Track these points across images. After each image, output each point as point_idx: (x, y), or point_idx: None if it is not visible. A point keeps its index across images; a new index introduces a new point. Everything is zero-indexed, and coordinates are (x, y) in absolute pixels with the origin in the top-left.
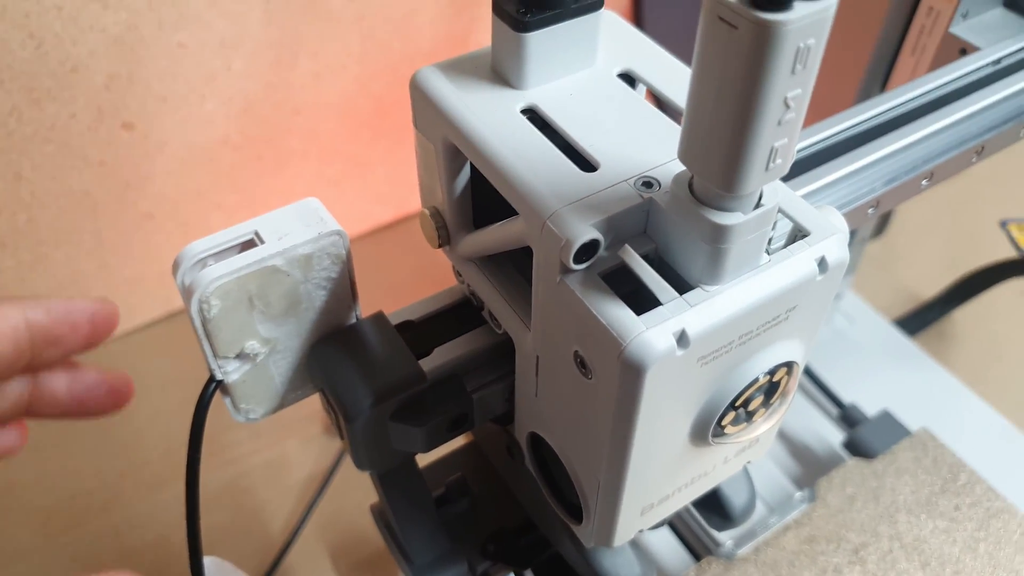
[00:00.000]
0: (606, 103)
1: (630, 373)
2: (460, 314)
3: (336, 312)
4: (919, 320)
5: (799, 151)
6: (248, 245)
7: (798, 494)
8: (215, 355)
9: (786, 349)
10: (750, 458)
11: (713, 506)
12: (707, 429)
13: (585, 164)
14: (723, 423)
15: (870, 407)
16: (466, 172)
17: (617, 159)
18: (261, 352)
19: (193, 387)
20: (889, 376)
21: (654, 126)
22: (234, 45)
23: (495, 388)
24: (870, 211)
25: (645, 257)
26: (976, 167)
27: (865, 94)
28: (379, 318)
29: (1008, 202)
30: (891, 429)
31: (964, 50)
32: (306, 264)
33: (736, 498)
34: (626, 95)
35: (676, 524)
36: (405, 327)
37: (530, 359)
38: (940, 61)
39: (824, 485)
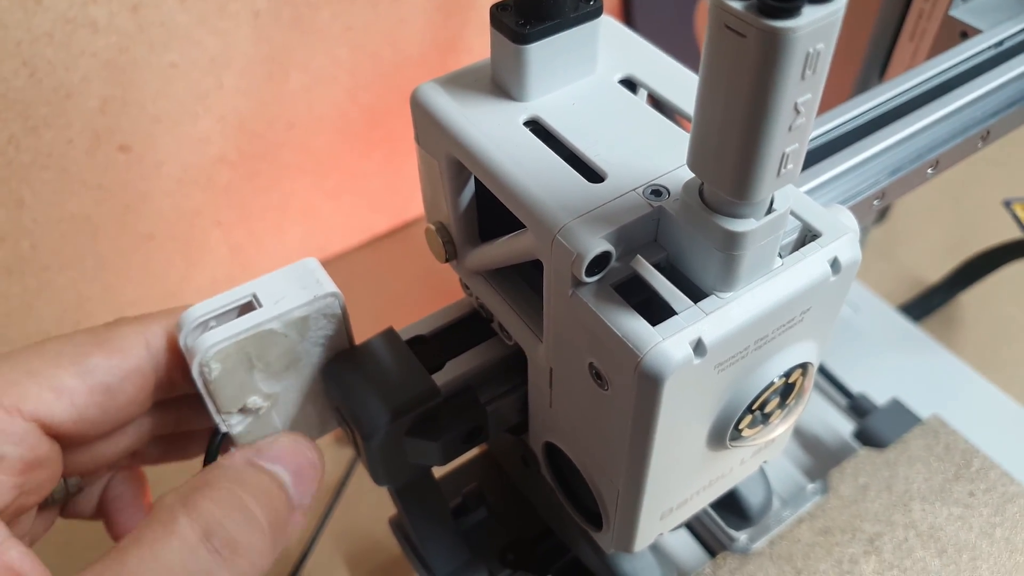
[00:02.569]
0: (609, 111)
1: (648, 384)
2: (470, 327)
3: None
4: (924, 305)
5: None
6: (247, 308)
7: (810, 486)
8: (219, 411)
9: (801, 350)
10: (766, 458)
11: (730, 506)
12: (725, 433)
13: (592, 175)
14: (740, 427)
15: (879, 396)
16: (471, 187)
17: (624, 168)
18: (263, 406)
19: None
20: (897, 364)
21: (659, 132)
22: (225, 63)
23: (508, 399)
24: (875, 203)
25: (656, 266)
26: None
27: (864, 81)
28: (390, 334)
29: (1011, 181)
30: (901, 417)
31: (965, 33)
32: (303, 326)
33: (753, 498)
34: (629, 101)
35: (690, 520)
36: (416, 341)
37: (543, 371)
38: (940, 45)
39: (836, 476)
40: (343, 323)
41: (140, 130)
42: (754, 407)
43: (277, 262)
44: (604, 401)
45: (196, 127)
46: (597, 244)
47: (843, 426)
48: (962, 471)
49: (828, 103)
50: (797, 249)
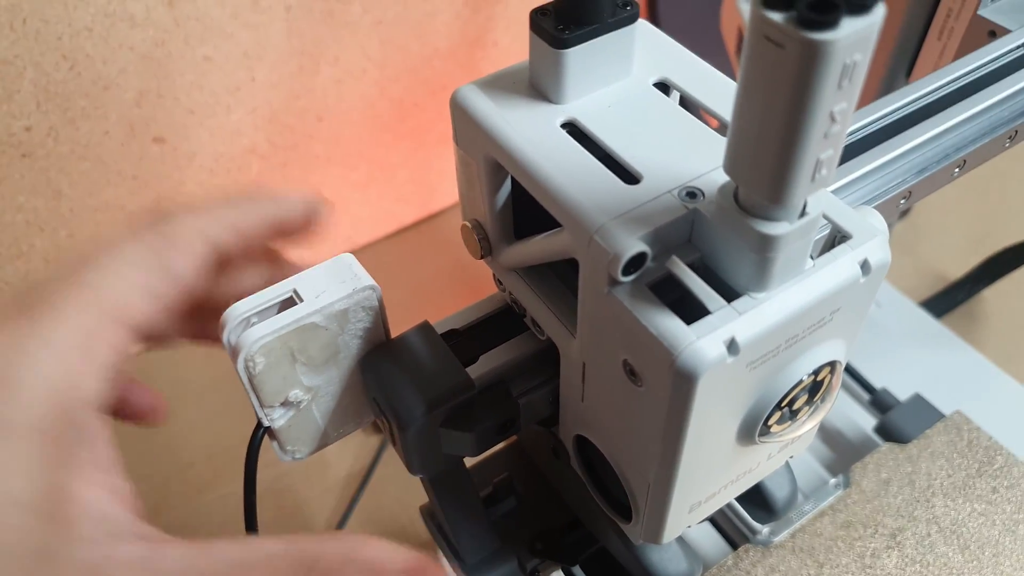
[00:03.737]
0: (645, 113)
1: (682, 382)
2: (502, 321)
3: None
4: (947, 301)
5: None
6: (287, 303)
7: (832, 480)
8: (262, 405)
9: (830, 349)
10: (792, 453)
11: (757, 500)
12: (754, 429)
13: (628, 176)
14: (769, 423)
15: (901, 391)
16: (507, 186)
17: (660, 170)
18: (304, 399)
19: (231, 391)
20: (919, 359)
21: (694, 135)
22: (257, 56)
23: (540, 392)
24: (902, 202)
25: (691, 266)
26: None
27: (890, 81)
28: (425, 327)
29: None
30: (924, 413)
31: (994, 32)
32: (342, 318)
33: (779, 492)
34: (664, 104)
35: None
36: (450, 335)
37: (576, 366)
38: (968, 45)
39: (858, 471)
40: (380, 315)
41: (174, 122)
42: (783, 404)
43: (305, 253)
44: (637, 397)
45: (228, 119)
46: (634, 245)
47: (865, 421)
48: (985, 467)
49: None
50: (827, 250)
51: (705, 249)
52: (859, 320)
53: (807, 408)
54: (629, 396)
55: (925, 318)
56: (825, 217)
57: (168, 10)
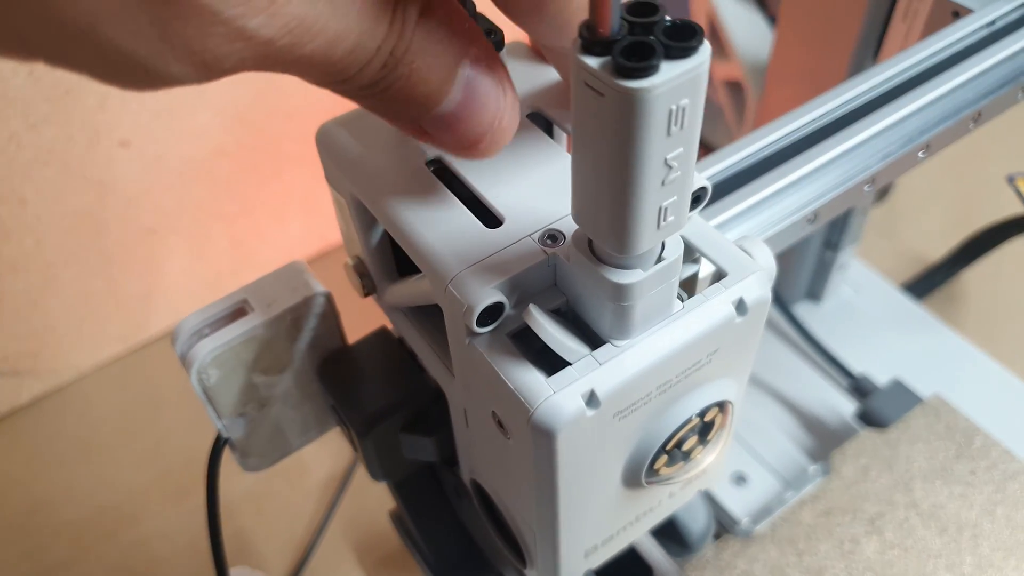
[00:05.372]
0: (515, 149)
1: (541, 436)
2: None
3: None
4: (927, 283)
5: (793, 131)
6: (239, 313)
7: (812, 467)
8: (219, 416)
9: (715, 390)
10: (701, 487)
11: (670, 534)
12: (639, 474)
13: (491, 219)
14: (656, 466)
15: (881, 376)
16: (381, 225)
17: (522, 212)
18: (262, 409)
19: None
20: (899, 343)
21: (564, 172)
22: None
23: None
24: (866, 188)
25: (556, 311)
26: None
27: (858, 62)
28: (383, 333)
29: (1013, 157)
30: (903, 397)
31: (957, 13)
32: (294, 327)
33: (693, 524)
34: (535, 139)
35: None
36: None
37: (459, 410)
38: (933, 25)
39: (838, 457)
40: (333, 322)
41: (139, 124)
42: (668, 447)
43: (279, 254)
44: (508, 448)
45: (195, 120)
46: (487, 295)
47: (845, 407)
48: (963, 450)
49: (826, 83)
50: (716, 281)
51: (570, 293)
52: (746, 359)
53: (700, 447)
54: (503, 446)
55: (904, 301)
56: (700, 253)
57: None
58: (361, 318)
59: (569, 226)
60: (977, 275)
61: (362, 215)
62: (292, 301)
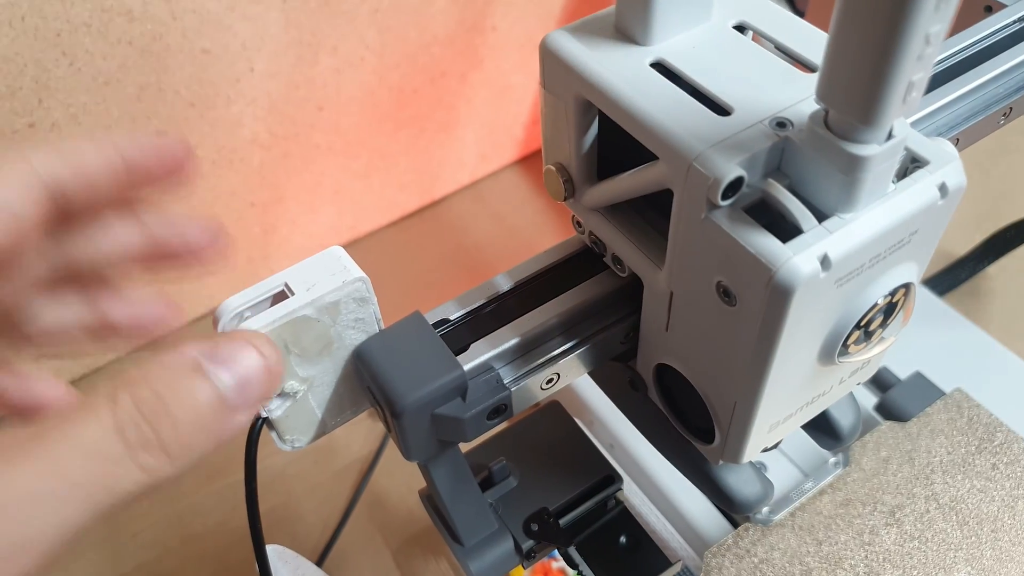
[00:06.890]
0: (728, 52)
1: (779, 296)
2: (495, 311)
3: None
4: (950, 279)
5: None
6: (279, 297)
7: (832, 459)
8: None
9: (905, 271)
10: (860, 380)
11: (824, 427)
12: (835, 349)
13: (719, 109)
14: (848, 342)
15: (902, 370)
16: (594, 128)
17: (748, 103)
18: (300, 389)
19: None
20: (922, 337)
21: (776, 70)
22: (256, 47)
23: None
24: None
25: None
26: None
27: None
28: (416, 317)
29: None
30: (924, 391)
31: (990, 8)
32: (334, 310)
33: (844, 420)
34: (744, 44)
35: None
36: (441, 324)
37: (661, 296)
38: (964, 20)
39: (858, 449)
40: (371, 306)
41: (175, 115)
42: (861, 323)
43: (310, 241)
44: (729, 317)
45: (228, 111)
46: (732, 169)
47: (866, 399)
48: (985, 444)
49: None
50: (900, 179)
51: (794, 176)
52: (932, 243)
53: (880, 330)
54: (720, 318)
55: (928, 296)
56: (907, 146)
57: (165, 4)
58: (396, 303)
59: (795, 114)
60: (1001, 272)
61: (581, 117)
62: (331, 285)
